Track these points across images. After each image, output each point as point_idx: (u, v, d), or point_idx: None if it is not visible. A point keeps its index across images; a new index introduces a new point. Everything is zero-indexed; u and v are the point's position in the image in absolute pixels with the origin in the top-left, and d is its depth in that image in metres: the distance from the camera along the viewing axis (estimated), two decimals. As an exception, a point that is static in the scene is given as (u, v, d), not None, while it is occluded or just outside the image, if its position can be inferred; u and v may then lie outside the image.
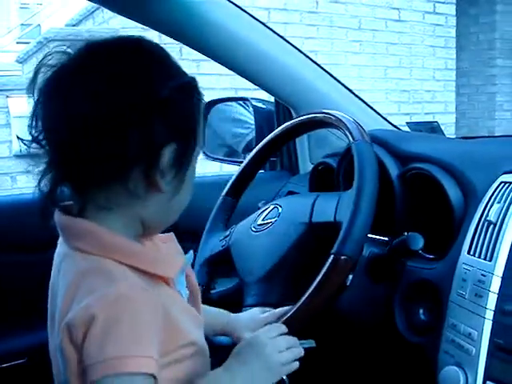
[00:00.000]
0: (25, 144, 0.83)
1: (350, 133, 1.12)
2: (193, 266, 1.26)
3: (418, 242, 1.08)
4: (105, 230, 0.82)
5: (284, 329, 0.95)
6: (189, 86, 0.85)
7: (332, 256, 0.99)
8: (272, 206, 1.24)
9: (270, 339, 0.92)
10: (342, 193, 1.10)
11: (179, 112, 0.82)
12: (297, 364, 0.92)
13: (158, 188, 0.81)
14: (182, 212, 0.90)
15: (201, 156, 0.95)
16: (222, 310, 1.11)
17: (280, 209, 1.21)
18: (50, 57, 0.81)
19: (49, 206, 0.85)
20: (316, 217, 1.12)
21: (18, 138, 0.85)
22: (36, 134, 0.81)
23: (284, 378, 0.94)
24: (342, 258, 0.98)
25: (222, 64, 1.60)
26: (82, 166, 0.79)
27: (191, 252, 0.95)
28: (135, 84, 0.80)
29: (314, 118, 1.28)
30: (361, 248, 1.02)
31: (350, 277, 1.00)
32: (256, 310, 1.11)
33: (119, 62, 0.81)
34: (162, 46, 0.86)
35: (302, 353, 0.93)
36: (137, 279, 0.80)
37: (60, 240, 0.88)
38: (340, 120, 1.16)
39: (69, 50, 0.82)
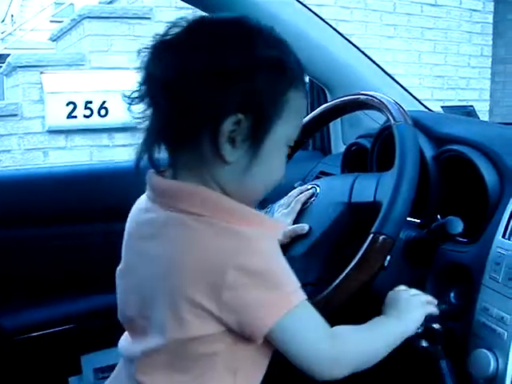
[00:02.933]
0: (125, 101, 0.87)
1: (392, 114, 1.10)
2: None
3: (458, 226, 1.06)
4: (217, 194, 0.85)
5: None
6: (274, 63, 0.84)
7: (372, 235, 0.98)
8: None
9: (411, 296, 0.99)
10: (382, 173, 1.09)
11: (255, 85, 0.82)
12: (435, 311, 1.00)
13: (223, 158, 0.83)
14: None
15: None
16: None
17: (318, 189, 1.21)
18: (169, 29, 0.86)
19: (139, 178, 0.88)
20: (355, 197, 1.11)
21: (124, 95, 0.87)
22: (143, 92, 0.86)
23: (436, 327, 1.01)
24: (382, 237, 0.97)
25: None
26: (171, 121, 0.84)
27: None
28: (223, 53, 0.82)
29: (357, 99, 1.24)
30: (400, 229, 1.00)
31: (388, 258, 0.99)
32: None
33: (217, 34, 0.85)
34: (264, 25, 0.88)
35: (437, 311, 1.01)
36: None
37: (141, 207, 0.92)
38: (383, 102, 1.14)
39: (182, 23, 0.86)
